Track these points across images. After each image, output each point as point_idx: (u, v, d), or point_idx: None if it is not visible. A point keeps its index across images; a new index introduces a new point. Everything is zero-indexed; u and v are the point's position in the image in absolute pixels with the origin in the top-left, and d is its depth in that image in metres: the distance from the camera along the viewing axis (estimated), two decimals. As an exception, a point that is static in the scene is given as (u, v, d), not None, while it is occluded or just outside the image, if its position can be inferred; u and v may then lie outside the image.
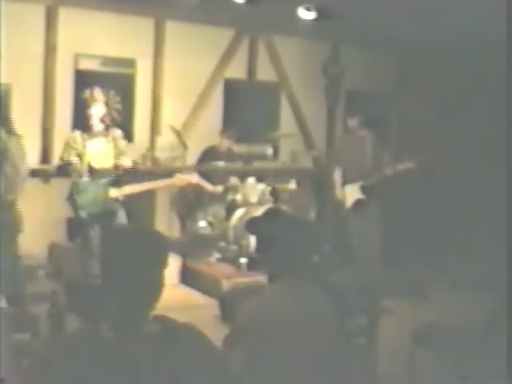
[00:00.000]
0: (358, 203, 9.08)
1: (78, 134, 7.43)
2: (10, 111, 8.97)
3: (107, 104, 7.42)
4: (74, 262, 7.34)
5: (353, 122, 9.18)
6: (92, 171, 7.37)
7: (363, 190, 9.02)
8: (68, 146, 7.41)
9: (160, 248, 2.73)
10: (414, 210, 10.20)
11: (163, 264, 2.69)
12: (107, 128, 7.48)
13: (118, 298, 2.65)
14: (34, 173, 9.11)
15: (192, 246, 9.27)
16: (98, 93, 7.38)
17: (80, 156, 7.36)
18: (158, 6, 9.67)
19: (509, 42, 5.31)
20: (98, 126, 7.40)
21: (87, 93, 7.41)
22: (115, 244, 2.71)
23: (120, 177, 7.57)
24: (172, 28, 10.24)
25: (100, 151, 7.47)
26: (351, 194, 9.12)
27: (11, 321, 2.96)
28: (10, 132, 6.44)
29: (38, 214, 8.82)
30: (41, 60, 9.34)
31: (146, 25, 10.08)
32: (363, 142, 9.12)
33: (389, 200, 9.26)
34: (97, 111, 7.37)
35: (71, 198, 7.38)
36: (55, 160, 8.97)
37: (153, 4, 9.63)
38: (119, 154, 7.58)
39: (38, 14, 9.27)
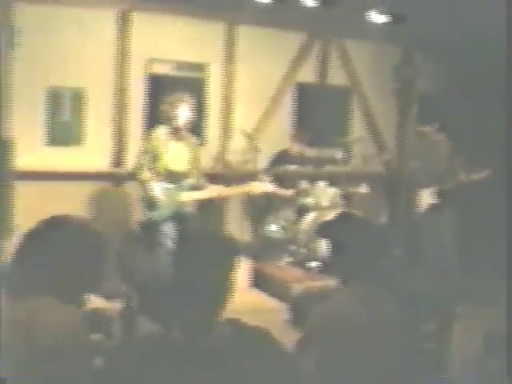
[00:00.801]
0: (432, 208, 8.98)
1: (162, 131, 7.50)
2: (84, 115, 9.15)
3: (193, 109, 7.51)
4: (146, 264, 7.41)
5: (427, 127, 9.09)
6: (168, 173, 7.45)
7: (438, 194, 8.91)
8: (149, 143, 7.49)
9: (230, 251, 2.74)
10: (489, 215, 10.05)
11: (233, 267, 2.71)
12: (186, 132, 7.57)
13: (189, 300, 2.67)
14: (106, 176, 9.28)
15: (263, 250, 9.28)
16: (186, 96, 7.49)
17: (159, 155, 7.44)
18: (229, 9, 9.71)
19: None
20: (181, 128, 7.48)
21: (176, 94, 7.50)
22: (187, 247, 2.73)
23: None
24: (243, 32, 10.27)
25: (178, 154, 7.55)
26: (425, 198, 9.02)
27: (86, 320, 3.00)
28: None
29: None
30: (114, 65, 9.46)
31: (217, 29, 10.13)
32: (437, 147, 9.01)
33: (463, 205, 9.13)
34: (184, 113, 7.44)
35: (144, 201, 7.46)
36: (127, 164, 9.10)
37: (224, 8, 9.67)
38: (195, 159, 7.66)
39: (110, 19, 9.41)
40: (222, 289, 2.69)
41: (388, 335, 3.44)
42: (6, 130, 8.63)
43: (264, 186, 8.14)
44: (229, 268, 2.69)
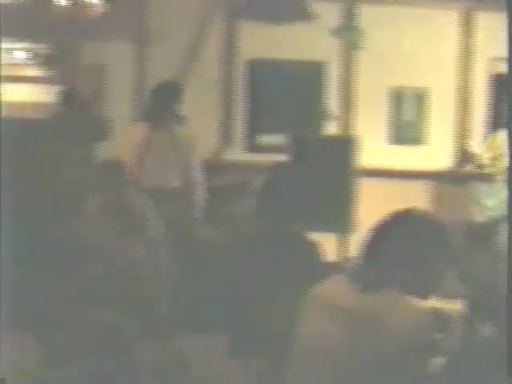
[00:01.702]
0: None
1: (500, 134, 7.52)
2: (427, 115, 9.29)
3: None
4: (485, 265, 7.39)
5: None
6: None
7: None
8: (492, 144, 7.54)
9: None
10: None
11: None
12: None
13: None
14: (448, 176, 9.33)
15: None
16: None
17: (500, 156, 7.44)
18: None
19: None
20: None
21: None
22: None
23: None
24: None
25: None
26: None
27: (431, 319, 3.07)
28: None
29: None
30: (457, 64, 9.49)
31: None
32: None
33: None
34: None
35: (481, 200, 7.47)
36: (470, 163, 9.10)
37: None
38: None
39: (453, 19, 9.46)
40: None
41: None
42: (353, 129, 9.02)
43: None
44: None
